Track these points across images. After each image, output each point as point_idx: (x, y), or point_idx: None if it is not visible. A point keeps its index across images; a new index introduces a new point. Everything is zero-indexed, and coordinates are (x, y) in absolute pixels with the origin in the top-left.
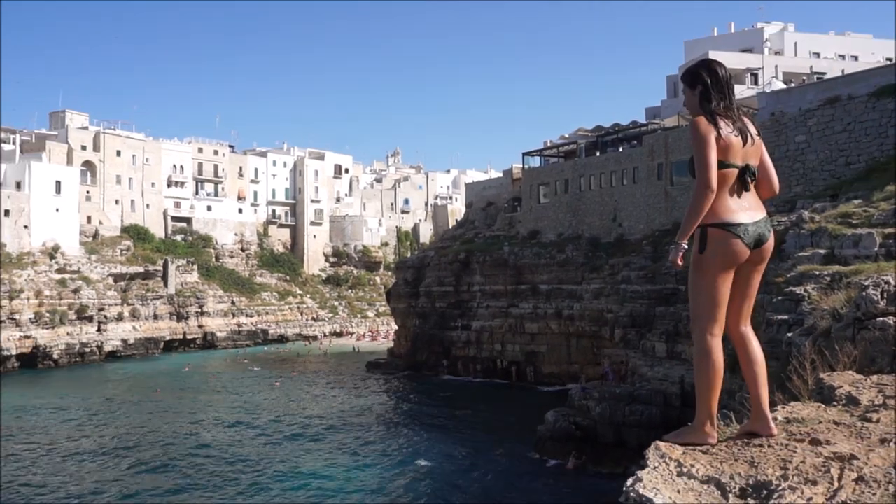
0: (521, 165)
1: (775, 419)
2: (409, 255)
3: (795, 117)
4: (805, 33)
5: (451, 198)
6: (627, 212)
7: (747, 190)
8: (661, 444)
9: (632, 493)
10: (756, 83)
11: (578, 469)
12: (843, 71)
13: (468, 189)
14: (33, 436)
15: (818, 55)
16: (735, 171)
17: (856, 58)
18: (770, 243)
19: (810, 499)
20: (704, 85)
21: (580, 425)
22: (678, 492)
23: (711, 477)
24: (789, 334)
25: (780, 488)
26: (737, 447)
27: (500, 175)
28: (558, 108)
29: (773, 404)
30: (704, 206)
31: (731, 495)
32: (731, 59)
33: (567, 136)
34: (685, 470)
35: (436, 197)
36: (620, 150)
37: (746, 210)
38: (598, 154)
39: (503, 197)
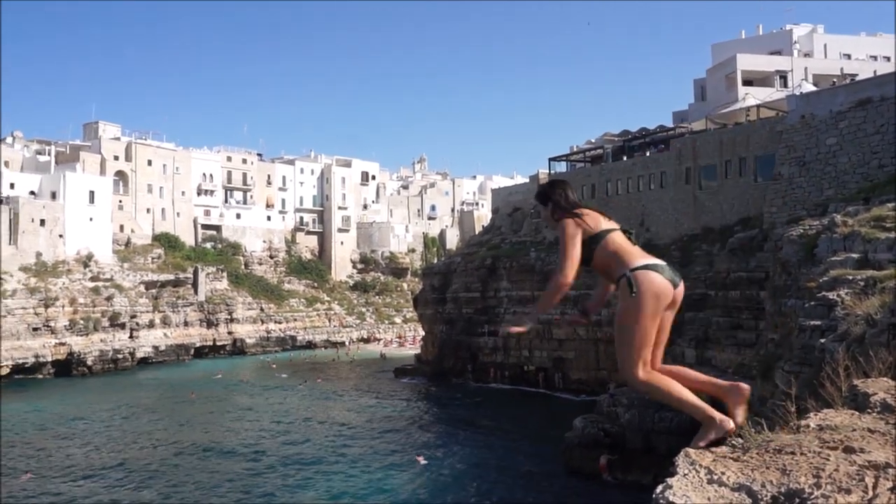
0: (547, 171)
1: (807, 426)
2: (435, 261)
3: (826, 120)
4: (835, 35)
5: (477, 204)
6: (655, 216)
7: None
8: (690, 451)
9: (661, 501)
10: (785, 86)
11: (610, 468)
12: (874, 72)
13: (494, 195)
14: (73, 440)
15: (849, 56)
16: (619, 231)
17: (888, 59)
18: (681, 289)
19: None
20: (554, 201)
21: (609, 432)
22: (708, 499)
23: (742, 484)
24: (822, 340)
25: (813, 497)
26: (768, 455)
27: (527, 180)
28: (585, 113)
29: (804, 411)
30: (560, 293)
31: (762, 503)
32: (759, 62)
33: (593, 141)
34: (716, 477)
35: (462, 203)
36: (647, 154)
37: (651, 258)
38: (624, 159)
39: (529, 202)
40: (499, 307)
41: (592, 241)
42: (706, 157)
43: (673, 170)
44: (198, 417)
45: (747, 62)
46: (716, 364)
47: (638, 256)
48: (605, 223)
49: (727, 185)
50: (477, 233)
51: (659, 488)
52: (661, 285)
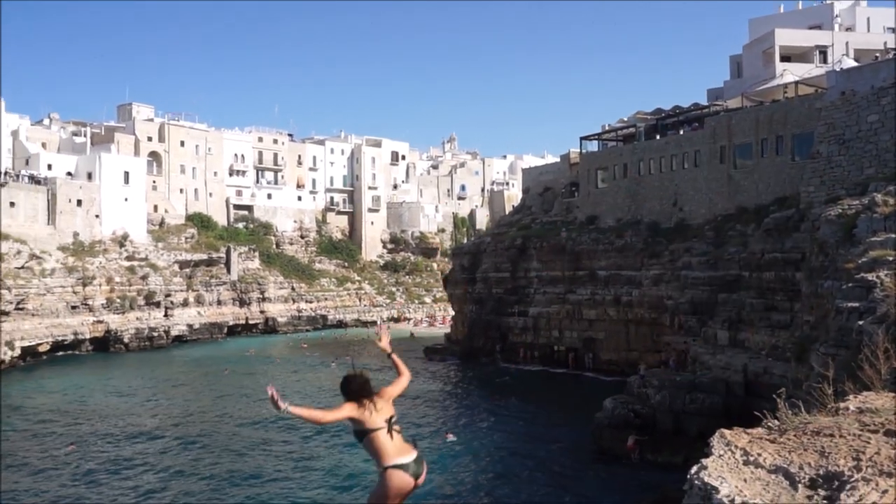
0: (578, 150)
1: (846, 409)
2: (465, 241)
3: (867, 96)
4: (878, 7)
5: (507, 183)
6: (688, 196)
7: (398, 434)
8: (726, 432)
9: (696, 482)
10: (825, 61)
11: (638, 449)
12: None
13: (525, 174)
14: (112, 413)
15: (893, 30)
16: (383, 429)
17: None
18: (422, 479)
19: (885, 491)
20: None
21: (639, 413)
22: (744, 481)
23: (780, 466)
24: (860, 322)
25: (853, 480)
26: (806, 437)
27: (558, 160)
28: (617, 91)
29: (843, 394)
30: (316, 423)
31: (800, 486)
32: (798, 37)
33: (626, 119)
34: (752, 459)
35: (492, 183)
36: (681, 133)
37: (403, 453)
38: (657, 137)
39: (560, 182)
40: (529, 287)
41: (362, 434)
42: (742, 135)
43: (707, 148)
44: (231, 392)
45: (786, 37)
46: (749, 346)
47: (393, 455)
48: (378, 421)
49: (763, 163)
50: (507, 213)
51: (694, 469)
52: (404, 483)
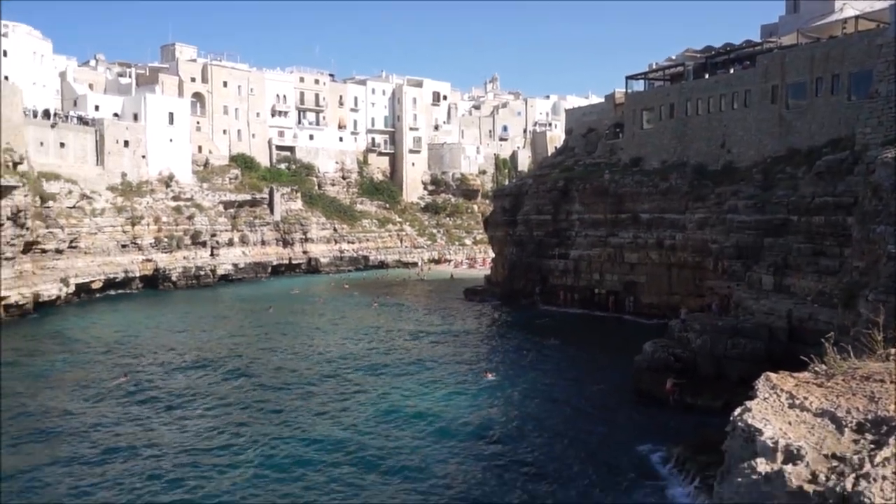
0: (623, 90)
1: None
2: (506, 182)
3: None
4: None
5: (550, 124)
6: (737, 137)
7: None
8: (771, 375)
9: (739, 423)
10: None
11: (676, 392)
12: None
13: (568, 115)
14: (162, 346)
15: None
16: None
17: None
18: None
19: None
20: None
21: (679, 357)
22: (789, 423)
23: (826, 410)
24: None
25: None
26: (855, 382)
27: (602, 100)
28: (666, 29)
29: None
30: None
31: (846, 430)
32: None
33: (674, 58)
34: (798, 402)
35: (534, 124)
36: (731, 71)
37: None
38: (706, 76)
39: (604, 123)
40: (570, 230)
41: None
42: (795, 73)
43: (758, 88)
44: (275, 328)
45: None
46: (794, 291)
47: None
48: None
49: (817, 103)
50: (549, 154)
51: (737, 411)
52: None
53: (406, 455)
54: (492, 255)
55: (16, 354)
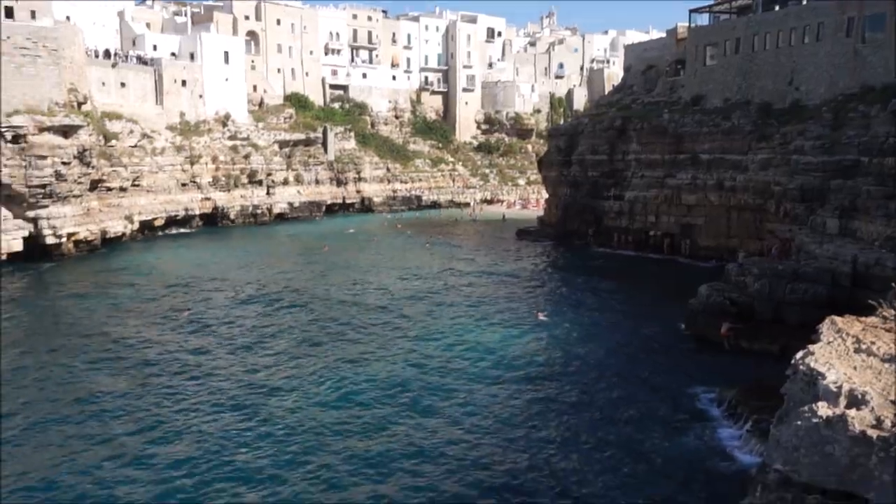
0: (686, 24)
1: None
2: (562, 122)
3: None
4: None
5: (608, 61)
6: (807, 74)
7: None
8: (837, 318)
9: (801, 367)
10: None
11: (732, 336)
12: None
13: (627, 51)
14: (222, 282)
15: None
16: None
17: None
18: None
19: None
20: None
21: (735, 301)
22: (854, 368)
23: (895, 356)
24: None
25: None
26: None
27: (663, 35)
28: None
29: None
30: None
31: None
32: None
33: None
34: (864, 347)
35: (592, 61)
36: (804, 3)
37: None
38: (776, 9)
39: (665, 59)
40: (626, 171)
41: None
42: (874, 4)
43: (832, 20)
44: (330, 266)
45: None
46: (860, 236)
47: None
48: None
49: None
50: (607, 92)
51: (799, 354)
52: None
53: (456, 392)
54: (545, 195)
55: (87, 287)
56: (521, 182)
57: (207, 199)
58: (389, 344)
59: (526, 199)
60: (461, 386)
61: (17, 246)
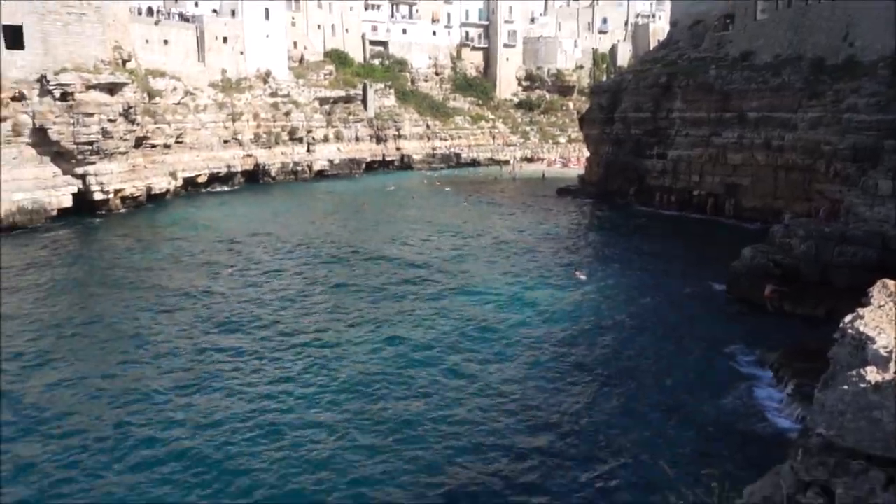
0: None
1: None
2: (604, 78)
3: None
4: None
5: (653, 16)
6: (862, 28)
7: None
8: (889, 282)
9: (850, 330)
10: None
11: (776, 298)
12: None
13: (674, 6)
14: (264, 238)
15: None
16: None
17: None
18: None
19: None
20: None
21: (780, 263)
22: None
23: None
24: None
25: None
26: None
27: None
28: None
29: None
30: None
31: None
32: None
33: None
34: None
35: (637, 16)
36: None
37: None
38: None
39: (713, 14)
40: (670, 129)
41: None
42: None
43: None
44: (370, 223)
45: None
46: None
47: None
48: None
49: None
50: (651, 48)
51: (848, 318)
52: None
53: (492, 351)
54: (586, 154)
55: (134, 241)
56: (562, 140)
57: (249, 155)
58: (427, 301)
59: (567, 157)
60: (497, 344)
61: (67, 202)
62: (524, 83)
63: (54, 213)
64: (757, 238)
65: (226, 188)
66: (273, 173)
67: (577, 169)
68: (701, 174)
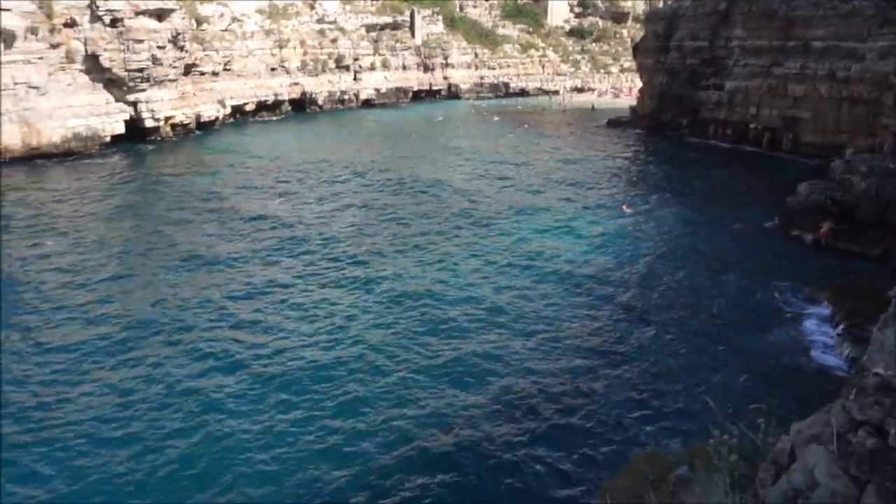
0: None
1: None
2: (661, 4)
3: None
4: None
5: None
6: None
7: None
8: None
9: None
10: None
11: (831, 236)
12: None
13: None
14: (313, 166)
15: None
16: None
17: None
18: None
19: None
20: None
21: (837, 200)
22: None
23: None
24: None
25: None
26: None
27: None
28: None
29: None
30: None
31: None
32: None
33: None
34: None
35: None
36: None
37: None
38: None
39: None
40: (728, 58)
41: None
42: None
43: None
44: (417, 153)
45: None
46: None
47: None
48: None
49: None
50: None
51: None
52: None
53: (536, 284)
54: (638, 84)
55: (186, 166)
56: (614, 69)
57: (296, 84)
58: (474, 229)
59: (618, 87)
60: (541, 272)
61: (120, 129)
62: (576, 10)
63: (107, 139)
64: (815, 174)
65: (273, 117)
66: (320, 102)
67: (628, 100)
68: (759, 106)
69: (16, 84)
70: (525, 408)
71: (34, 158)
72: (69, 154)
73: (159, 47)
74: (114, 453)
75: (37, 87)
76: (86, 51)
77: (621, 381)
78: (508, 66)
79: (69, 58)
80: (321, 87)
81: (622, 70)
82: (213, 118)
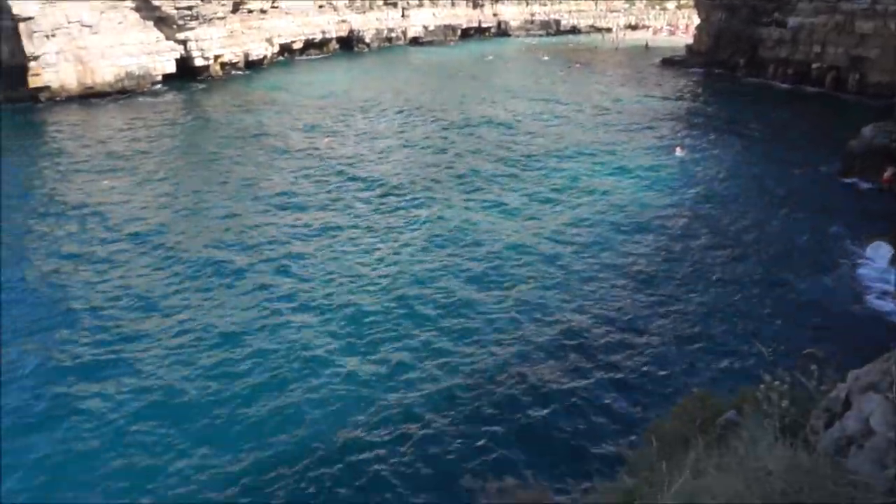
0: None
1: None
2: None
3: None
4: None
5: None
6: None
7: None
8: None
9: None
10: None
11: (893, 182)
12: None
13: None
14: (359, 107)
15: None
16: None
17: None
18: None
19: None
20: None
21: None
22: None
23: None
24: None
25: None
26: None
27: None
28: None
29: None
30: None
31: None
32: None
33: None
34: None
35: None
36: None
37: None
38: None
39: None
40: None
41: None
42: None
43: None
44: (467, 92)
45: None
46: None
47: None
48: None
49: None
50: None
51: None
52: None
53: (584, 216)
54: (695, 21)
55: (237, 105)
56: (670, 5)
57: (343, 21)
58: (525, 170)
59: (674, 24)
60: (593, 210)
61: (171, 67)
62: None
63: (159, 78)
64: (880, 116)
65: (321, 55)
66: (367, 40)
67: (684, 38)
68: (823, 45)
69: (69, 23)
70: (577, 348)
71: (89, 97)
72: (122, 92)
73: None
74: (192, 377)
75: (89, 26)
76: None
77: (673, 322)
78: (559, 2)
79: None
80: (368, 24)
81: (679, 6)
82: (261, 57)
